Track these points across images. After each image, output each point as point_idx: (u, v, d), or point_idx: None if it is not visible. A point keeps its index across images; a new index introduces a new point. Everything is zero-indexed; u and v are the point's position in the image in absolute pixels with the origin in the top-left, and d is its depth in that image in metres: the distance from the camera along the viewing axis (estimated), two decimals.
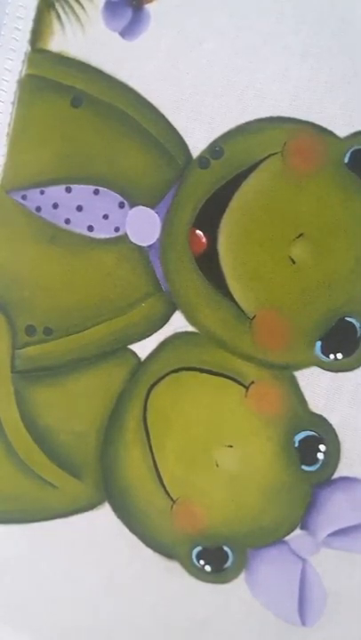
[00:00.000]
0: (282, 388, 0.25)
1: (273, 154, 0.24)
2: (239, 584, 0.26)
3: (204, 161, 0.25)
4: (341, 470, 0.25)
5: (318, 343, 0.24)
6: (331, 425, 0.25)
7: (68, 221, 0.26)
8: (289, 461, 0.25)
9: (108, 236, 0.26)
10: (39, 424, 0.27)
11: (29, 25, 0.26)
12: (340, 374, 0.24)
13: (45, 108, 0.26)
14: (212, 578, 0.27)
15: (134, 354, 0.26)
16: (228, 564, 0.26)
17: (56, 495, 0.27)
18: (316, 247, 0.24)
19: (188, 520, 0.26)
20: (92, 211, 0.26)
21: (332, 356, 0.24)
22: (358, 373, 0.24)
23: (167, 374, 0.26)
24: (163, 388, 0.26)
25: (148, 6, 0.25)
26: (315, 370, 0.25)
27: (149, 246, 0.26)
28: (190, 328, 0.26)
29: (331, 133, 0.24)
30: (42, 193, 0.26)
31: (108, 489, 0.27)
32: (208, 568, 0.26)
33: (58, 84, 0.26)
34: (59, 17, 0.26)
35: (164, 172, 0.25)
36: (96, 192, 0.26)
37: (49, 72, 0.26)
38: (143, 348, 0.26)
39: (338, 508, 0.25)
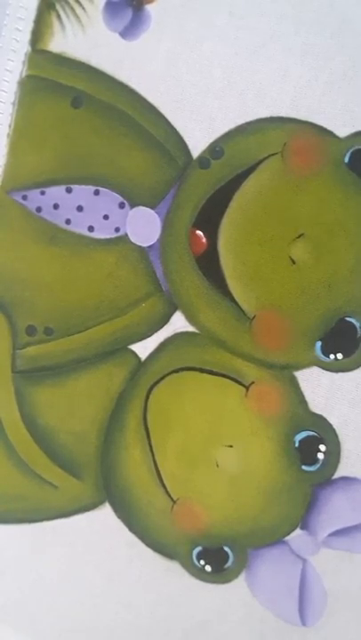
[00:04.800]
0: (282, 388, 0.25)
1: (273, 154, 0.24)
2: (239, 584, 0.26)
3: (204, 161, 0.25)
4: (342, 470, 0.25)
5: (318, 343, 0.24)
6: (331, 425, 0.25)
7: (68, 222, 0.26)
8: (289, 461, 0.25)
9: (108, 237, 0.26)
10: (40, 424, 0.27)
11: (30, 26, 0.26)
12: (340, 374, 0.24)
13: (46, 108, 0.26)
14: (213, 578, 0.26)
15: (135, 354, 0.26)
16: (229, 564, 0.26)
17: (56, 495, 0.27)
18: (317, 247, 0.24)
19: (189, 520, 0.26)
20: (92, 211, 0.26)
21: (332, 356, 0.24)
22: (358, 373, 0.24)
23: (167, 374, 0.26)
24: (163, 388, 0.26)
25: (148, 7, 0.25)
26: (315, 370, 0.25)
27: (150, 246, 0.26)
28: (190, 328, 0.26)
29: (331, 133, 0.24)
30: (42, 193, 0.26)
31: (109, 489, 0.27)
32: (208, 568, 0.26)
33: (58, 84, 0.26)
34: (59, 18, 0.26)
35: (164, 173, 0.25)
36: (96, 192, 0.26)
37: (49, 73, 0.26)
38: (143, 349, 0.26)
39: (338, 508, 0.25)
